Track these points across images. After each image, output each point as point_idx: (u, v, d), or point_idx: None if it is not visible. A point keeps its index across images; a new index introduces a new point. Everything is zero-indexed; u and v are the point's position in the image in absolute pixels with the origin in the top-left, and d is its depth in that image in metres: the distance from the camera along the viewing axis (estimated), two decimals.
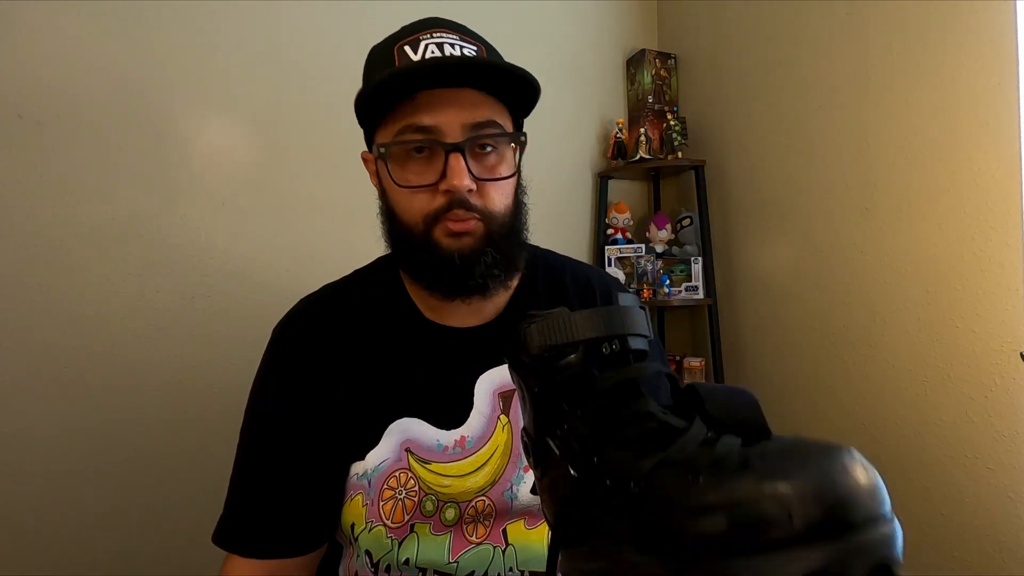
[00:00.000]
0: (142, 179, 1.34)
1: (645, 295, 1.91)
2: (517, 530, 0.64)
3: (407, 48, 0.60)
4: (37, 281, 1.24)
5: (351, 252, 0.90)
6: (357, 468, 0.63)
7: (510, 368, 0.39)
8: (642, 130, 1.97)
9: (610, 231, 2.00)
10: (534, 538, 0.65)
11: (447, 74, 0.57)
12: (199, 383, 1.38)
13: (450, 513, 0.62)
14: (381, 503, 0.61)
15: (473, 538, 0.63)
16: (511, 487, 0.64)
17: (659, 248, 1.98)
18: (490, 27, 0.65)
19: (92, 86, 1.29)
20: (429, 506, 0.62)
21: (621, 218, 2.00)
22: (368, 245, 0.73)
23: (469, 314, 0.66)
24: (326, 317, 0.67)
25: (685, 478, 0.28)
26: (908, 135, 1.42)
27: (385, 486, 0.62)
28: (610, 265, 1.96)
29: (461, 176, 0.57)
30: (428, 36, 0.60)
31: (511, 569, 0.63)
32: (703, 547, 0.26)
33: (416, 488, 0.62)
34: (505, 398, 0.65)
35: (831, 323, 1.62)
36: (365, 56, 0.65)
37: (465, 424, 0.64)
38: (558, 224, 1.96)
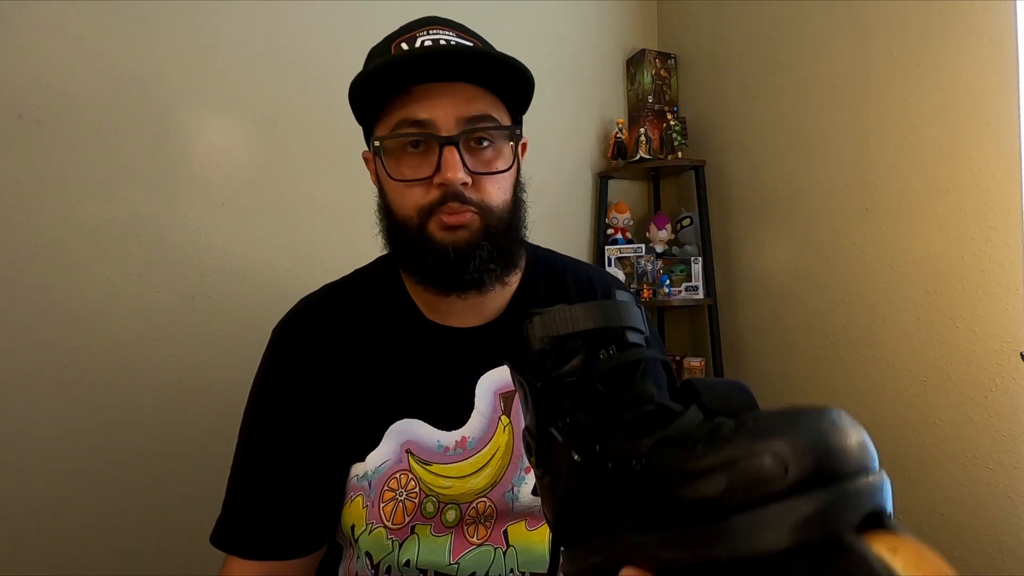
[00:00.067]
0: (142, 179, 1.34)
1: (645, 295, 1.91)
2: (518, 531, 0.64)
3: (403, 45, 0.60)
4: (37, 281, 1.24)
5: (351, 252, 0.90)
6: (357, 469, 0.62)
7: (512, 369, 0.39)
8: (642, 130, 1.97)
9: (610, 231, 2.00)
10: (535, 539, 0.64)
11: (440, 65, 0.57)
12: (199, 383, 1.38)
13: (451, 514, 0.62)
14: (382, 504, 0.61)
15: (474, 539, 0.63)
16: (512, 488, 0.63)
17: (659, 248, 1.98)
18: (490, 27, 0.65)
19: (92, 86, 1.29)
20: (430, 507, 0.62)
21: (621, 218, 2.00)
22: (368, 245, 0.73)
23: (469, 314, 0.66)
24: (326, 317, 0.67)
25: (684, 449, 0.29)
26: (908, 135, 1.42)
27: (385, 487, 0.61)
28: (610, 265, 1.96)
29: (455, 169, 0.56)
30: (425, 33, 0.60)
31: (512, 571, 0.63)
32: (702, 511, 0.27)
33: (417, 489, 0.61)
34: (506, 399, 0.65)
35: (831, 323, 1.62)
36: (364, 56, 0.65)
37: (466, 425, 0.64)
38: (558, 224, 1.96)
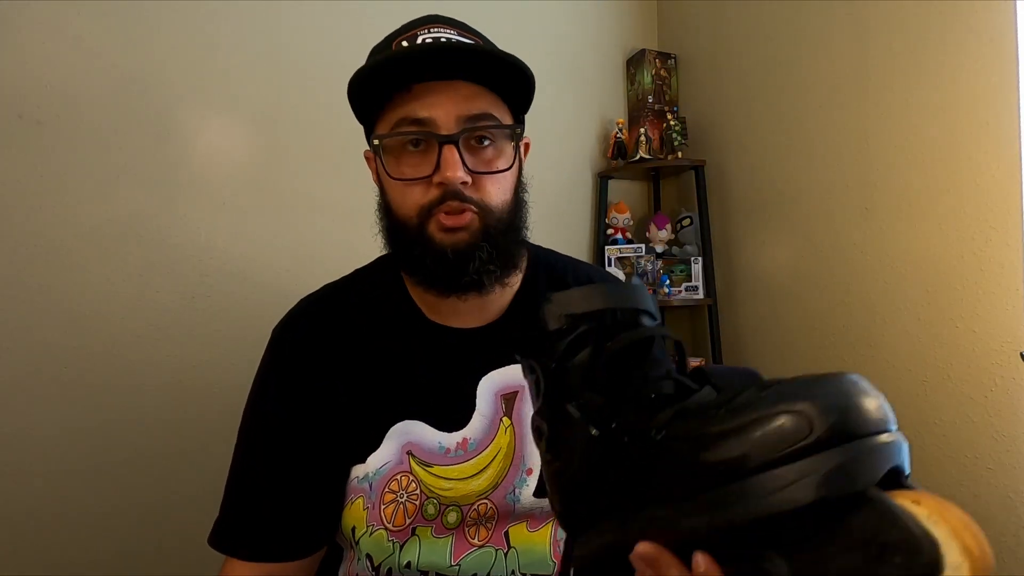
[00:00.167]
0: (142, 179, 1.34)
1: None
2: (519, 533, 0.64)
3: (404, 43, 0.59)
4: (37, 281, 1.24)
5: (351, 252, 0.90)
6: (358, 471, 0.62)
7: (523, 355, 0.39)
8: (642, 130, 1.97)
9: (610, 231, 2.00)
10: (536, 541, 0.64)
11: (440, 63, 0.57)
12: (199, 383, 1.38)
13: (452, 516, 0.62)
14: (382, 506, 0.61)
15: (475, 541, 0.63)
16: (514, 490, 0.63)
17: (659, 248, 1.98)
18: (490, 27, 0.65)
19: (92, 86, 1.29)
20: (431, 509, 0.61)
21: (621, 218, 2.00)
22: (368, 245, 0.73)
23: (470, 314, 0.66)
24: (326, 317, 0.67)
25: (704, 416, 0.29)
26: (908, 135, 1.42)
27: (386, 489, 0.61)
28: (610, 265, 1.96)
29: (455, 168, 0.56)
30: (426, 31, 0.60)
31: (513, 572, 0.63)
32: (724, 473, 0.27)
33: (418, 491, 0.61)
34: (507, 400, 0.65)
35: (831, 323, 1.62)
36: (364, 56, 0.65)
37: (467, 426, 0.63)
38: (558, 224, 1.96)
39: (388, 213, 0.62)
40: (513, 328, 0.67)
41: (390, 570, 0.61)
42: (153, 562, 1.31)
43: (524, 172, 0.66)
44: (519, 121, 0.65)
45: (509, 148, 0.61)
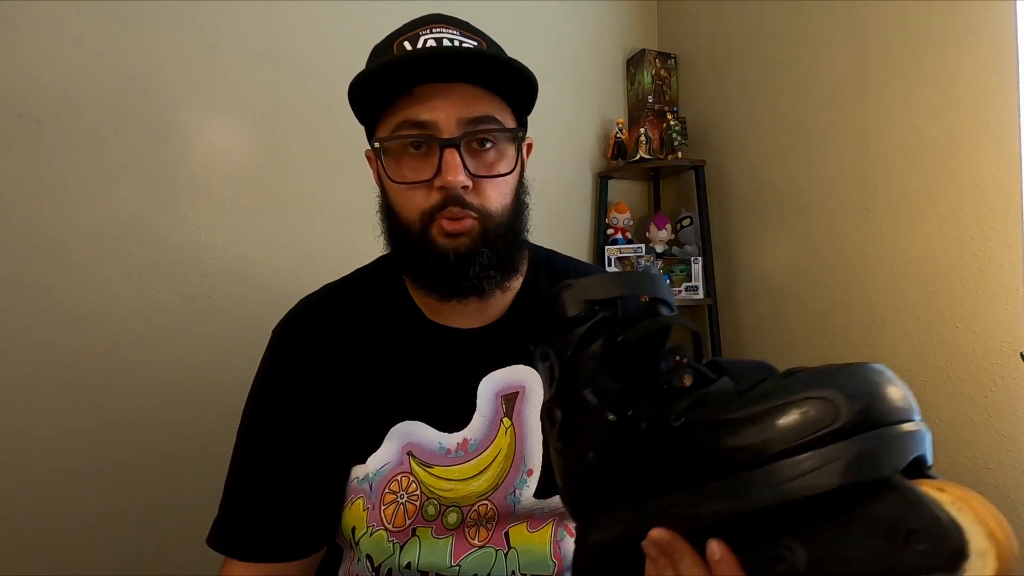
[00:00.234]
0: (142, 179, 1.34)
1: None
2: (519, 533, 0.64)
3: (406, 43, 0.59)
4: (37, 281, 1.24)
5: (351, 252, 0.90)
6: (358, 471, 0.62)
7: (538, 344, 0.39)
8: (642, 130, 1.97)
9: (610, 231, 2.00)
10: (536, 541, 0.64)
11: (442, 66, 0.57)
12: (199, 383, 1.38)
13: (452, 517, 0.62)
14: (383, 507, 0.61)
15: (475, 541, 0.63)
16: (514, 491, 0.63)
17: (659, 248, 1.98)
18: (490, 27, 0.65)
19: (92, 86, 1.29)
20: (431, 510, 0.61)
21: (621, 218, 2.00)
22: (368, 245, 0.73)
23: (471, 315, 0.65)
24: (326, 317, 0.67)
25: (725, 403, 0.29)
26: (908, 135, 1.42)
27: (387, 490, 0.61)
28: (610, 265, 1.96)
29: (456, 172, 0.56)
30: (428, 32, 0.60)
31: (513, 573, 0.63)
32: (746, 459, 0.27)
33: (418, 492, 0.61)
34: (508, 400, 0.65)
35: (831, 323, 1.62)
36: (364, 56, 0.65)
37: (468, 427, 0.63)
38: (558, 224, 1.96)
39: (390, 215, 0.62)
40: (514, 329, 0.67)
41: (390, 571, 0.61)
42: (153, 562, 1.31)
43: (526, 173, 0.66)
44: (522, 123, 0.65)
45: (511, 151, 0.61)
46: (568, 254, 0.77)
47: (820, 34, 1.62)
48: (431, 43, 0.58)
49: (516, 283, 0.68)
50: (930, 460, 0.27)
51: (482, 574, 0.62)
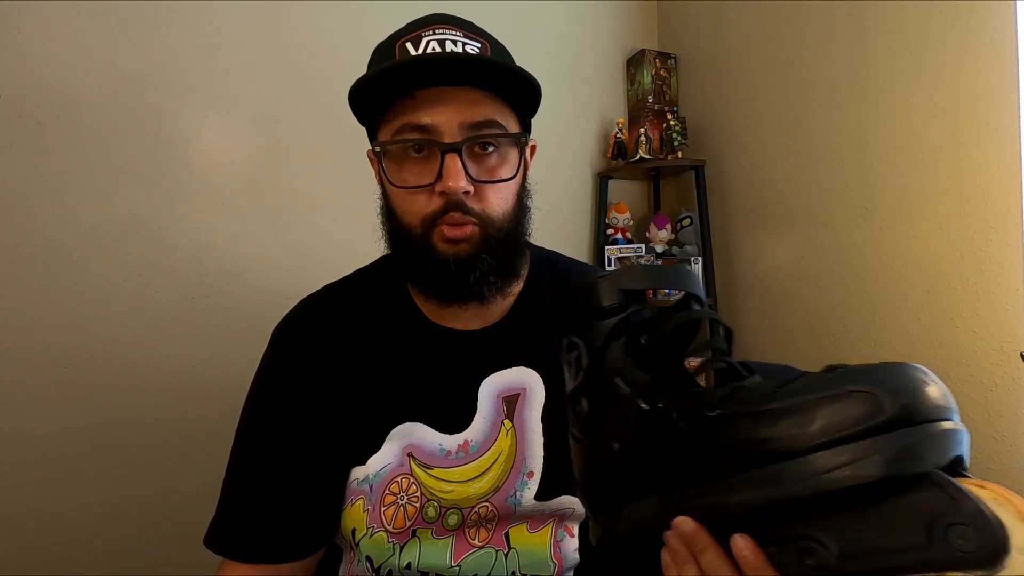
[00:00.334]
0: (142, 179, 1.34)
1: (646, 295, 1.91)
2: (519, 534, 0.64)
3: (408, 44, 0.59)
4: (37, 281, 1.24)
5: (351, 252, 0.90)
6: (358, 473, 0.62)
7: (565, 333, 0.39)
8: (642, 130, 1.97)
9: (610, 231, 2.00)
10: (536, 542, 0.64)
11: (444, 71, 0.56)
12: (199, 383, 1.38)
13: (452, 519, 0.62)
14: (382, 508, 0.60)
15: (475, 542, 0.63)
16: (515, 493, 0.63)
17: (659, 248, 1.98)
18: (490, 27, 0.65)
19: (92, 86, 1.29)
20: (431, 512, 0.61)
21: (621, 218, 2.00)
22: (368, 245, 0.73)
23: (472, 318, 0.65)
24: (326, 318, 0.67)
25: (763, 395, 0.29)
26: (908, 135, 1.42)
27: (387, 491, 0.61)
28: (610, 265, 1.96)
29: (457, 177, 0.55)
30: (431, 32, 0.59)
31: (513, 573, 0.63)
32: (787, 448, 0.27)
33: (418, 493, 0.61)
34: (509, 402, 0.64)
35: (831, 323, 1.62)
36: (365, 56, 0.64)
37: (468, 428, 0.63)
38: (558, 224, 1.96)
39: (391, 218, 0.62)
40: (515, 330, 0.67)
41: (390, 571, 0.61)
42: (153, 562, 1.31)
43: (528, 175, 0.66)
44: (525, 126, 0.64)
45: (514, 155, 0.61)
46: (568, 254, 0.77)
47: (820, 34, 1.61)
48: (434, 44, 0.58)
49: (517, 286, 0.68)
50: (968, 461, 0.27)
51: (482, 574, 0.62)
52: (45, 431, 1.23)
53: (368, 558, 0.61)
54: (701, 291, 0.38)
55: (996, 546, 0.24)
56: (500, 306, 0.67)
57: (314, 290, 0.71)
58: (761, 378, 0.33)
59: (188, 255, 1.38)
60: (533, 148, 0.68)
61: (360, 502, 0.61)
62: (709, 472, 0.30)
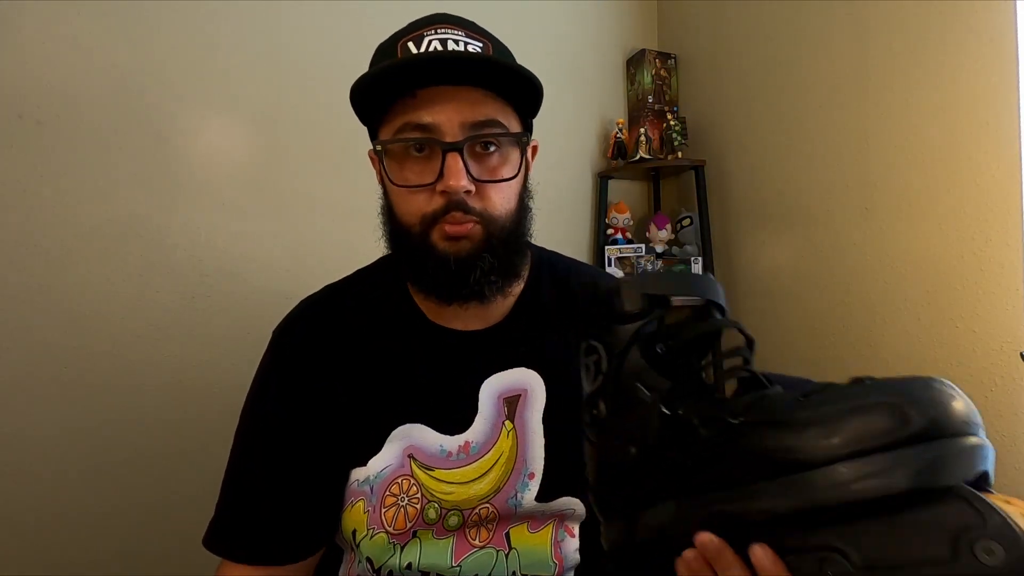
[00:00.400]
0: (142, 179, 1.34)
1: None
2: (520, 534, 0.64)
3: (410, 44, 0.59)
4: (37, 281, 1.24)
5: (351, 252, 0.90)
6: (359, 474, 0.62)
7: (584, 336, 0.39)
8: (642, 130, 1.97)
9: (610, 231, 2.00)
10: (537, 542, 0.64)
11: (446, 70, 0.56)
12: (199, 383, 1.38)
13: (453, 520, 0.62)
14: (383, 510, 0.60)
15: (476, 542, 0.63)
16: (515, 494, 0.63)
17: (659, 248, 1.98)
18: (490, 27, 0.65)
19: (92, 86, 1.29)
20: (432, 513, 0.61)
21: (621, 218, 2.00)
22: (368, 245, 0.73)
23: (473, 318, 0.65)
24: (326, 319, 0.66)
25: (790, 403, 0.29)
26: (908, 135, 1.42)
27: (387, 492, 0.60)
28: (610, 265, 1.96)
29: (458, 177, 0.55)
30: (432, 32, 0.59)
31: (514, 573, 0.63)
32: (811, 457, 0.27)
33: (419, 495, 0.61)
34: (510, 403, 0.64)
35: (831, 323, 1.62)
36: (365, 56, 0.64)
37: (469, 429, 0.63)
38: (558, 224, 1.96)
39: (391, 218, 0.62)
40: (516, 331, 0.67)
41: (391, 572, 0.61)
42: (153, 562, 1.31)
43: (530, 176, 0.66)
44: (527, 125, 0.64)
45: (515, 154, 0.61)
46: (568, 254, 0.77)
47: (820, 34, 1.61)
48: (436, 44, 0.58)
49: (518, 286, 0.68)
50: (992, 477, 0.27)
51: (483, 575, 0.62)
52: (45, 431, 1.23)
53: (368, 559, 0.61)
54: (723, 299, 0.38)
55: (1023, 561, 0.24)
56: (501, 306, 0.67)
57: (314, 290, 0.71)
58: (782, 389, 0.33)
59: (188, 255, 1.38)
60: (535, 149, 0.68)
61: (361, 503, 0.61)
62: (729, 479, 0.30)
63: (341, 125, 1.52)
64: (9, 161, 1.21)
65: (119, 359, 1.30)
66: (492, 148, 0.59)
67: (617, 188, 2.09)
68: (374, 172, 0.67)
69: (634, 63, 2.08)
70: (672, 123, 1.94)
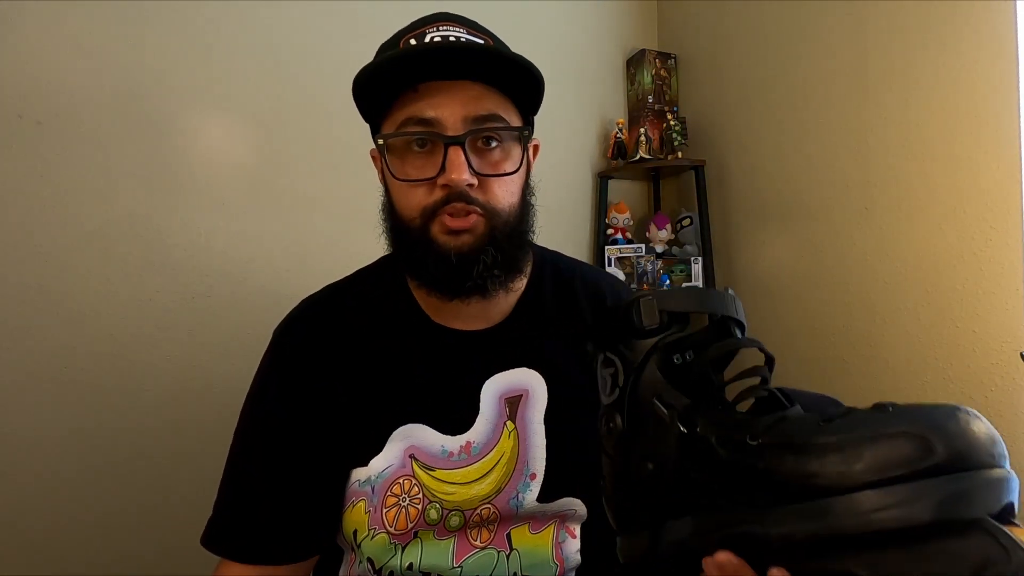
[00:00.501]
0: (142, 179, 1.33)
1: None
2: (521, 534, 0.64)
3: (412, 40, 0.59)
4: (37, 281, 1.23)
5: (351, 252, 0.90)
6: (360, 474, 0.61)
7: (603, 348, 0.39)
8: (642, 130, 1.97)
9: (610, 231, 2.00)
10: (538, 543, 0.64)
11: (447, 63, 0.56)
12: (199, 383, 1.38)
13: (455, 520, 0.61)
14: (384, 510, 0.60)
15: (477, 542, 0.62)
16: (517, 495, 0.62)
17: (659, 248, 1.98)
18: (490, 27, 0.65)
19: (92, 86, 1.29)
20: (433, 514, 0.61)
21: (621, 218, 2.00)
22: (369, 245, 0.73)
23: (474, 317, 0.65)
24: (327, 319, 0.66)
25: (811, 427, 0.29)
26: (908, 135, 1.42)
27: (389, 493, 0.60)
28: (610, 265, 1.96)
29: (460, 170, 0.55)
30: (435, 29, 0.59)
31: (515, 574, 0.63)
32: (833, 484, 0.27)
33: (420, 495, 0.60)
34: (511, 404, 0.64)
35: (831, 323, 1.62)
36: (365, 56, 0.64)
37: (471, 430, 0.63)
38: (558, 224, 1.96)
39: (392, 214, 0.62)
40: (518, 331, 0.67)
41: (391, 572, 0.61)
42: (153, 562, 1.31)
43: (531, 174, 0.66)
44: (528, 122, 0.64)
45: (517, 150, 0.61)
46: (568, 254, 0.77)
47: (820, 34, 1.62)
48: (437, 39, 0.58)
49: (520, 284, 0.68)
50: (1017, 509, 0.27)
51: (484, 575, 0.62)
52: (44, 431, 1.23)
53: (369, 559, 0.61)
54: (743, 317, 0.38)
55: None
56: (503, 306, 0.67)
57: (314, 290, 0.71)
58: (801, 408, 0.33)
59: (188, 255, 1.38)
60: (536, 147, 0.68)
61: (362, 504, 0.61)
62: (747, 500, 0.30)
63: (341, 125, 1.52)
64: (9, 161, 1.21)
65: (119, 359, 1.30)
66: (494, 143, 0.59)
67: (617, 188, 2.09)
68: (374, 172, 0.67)
69: (634, 63, 2.08)
70: (672, 123, 1.94)
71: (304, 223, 1.52)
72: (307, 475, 0.62)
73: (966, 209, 1.32)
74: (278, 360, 0.66)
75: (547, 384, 0.65)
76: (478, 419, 0.63)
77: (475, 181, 0.57)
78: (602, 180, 2.02)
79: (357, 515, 0.61)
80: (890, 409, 0.28)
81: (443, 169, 0.56)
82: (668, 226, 2.00)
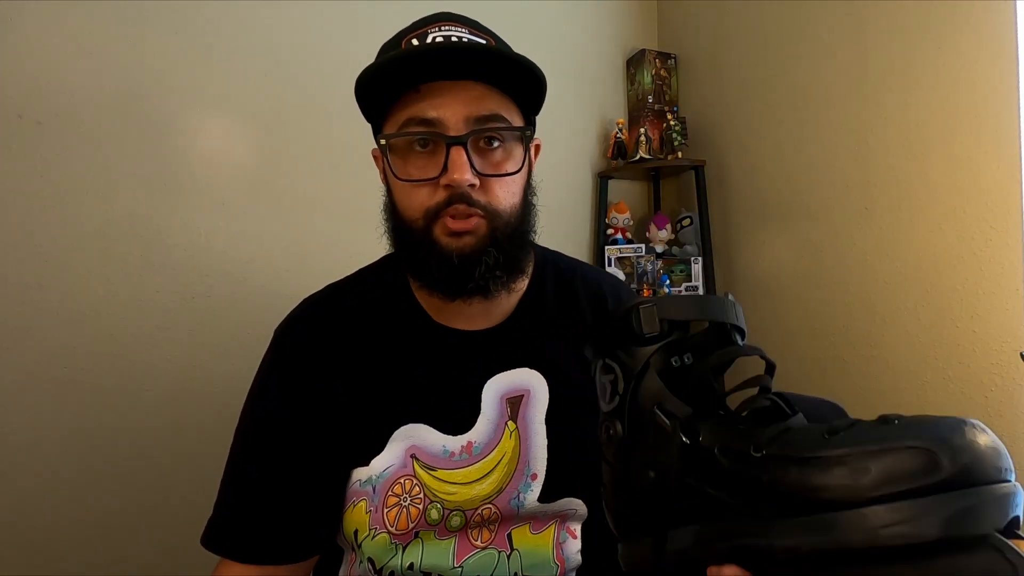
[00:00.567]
0: (142, 179, 1.33)
1: (645, 295, 1.91)
2: (522, 535, 0.64)
3: (414, 41, 0.59)
4: (37, 281, 1.23)
5: (351, 252, 0.90)
6: (360, 474, 0.61)
7: (602, 355, 0.38)
8: (642, 130, 1.97)
9: (610, 231, 2.00)
10: (539, 543, 0.64)
11: (449, 63, 0.56)
12: (199, 383, 1.38)
13: (456, 520, 0.61)
14: (385, 510, 0.60)
15: (478, 542, 0.62)
16: (518, 495, 0.62)
17: (659, 248, 1.98)
18: (490, 27, 0.65)
19: (92, 86, 1.29)
20: (434, 514, 0.60)
21: (621, 218, 2.00)
22: (369, 245, 0.73)
23: (476, 316, 0.65)
24: (328, 318, 0.66)
25: (816, 439, 0.28)
26: (908, 135, 1.42)
27: (390, 493, 0.60)
28: (610, 265, 1.96)
29: (462, 170, 0.55)
30: (436, 29, 0.59)
31: (516, 574, 0.63)
32: (839, 497, 0.26)
33: (421, 495, 0.60)
34: (512, 404, 0.64)
35: (831, 323, 1.62)
36: (365, 56, 0.64)
37: (472, 430, 0.63)
38: (558, 224, 1.96)
39: (394, 214, 0.62)
40: (519, 331, 0.67)
41: (392, 572, 0.61)
42: (153, 562, 1.30)
43: (533, 174, 0.66)
44: (530, 122, 0.64)
45: (519, 150, 0.61)
46: (568, 254, 0.77)
47: (820, 34, 1.62)
48: (439, 39, 0.58)
49: (522, 284, 0.68)
50: (1022, 521, 0.27)
51: (485, 575, 0.62)
52: (44, 431, 1.23)
53: (370, 559, 0.61)
54: (744, 324, 0.38)
55: None
56: (504, 306, 0.67)
57: (315, 290, 0.71)
58: (803, 416, 0.33)
59: (188, 255, 1.38)
60: (538, 147, 0.68)
61: (363, 503, 0.61)
62: (751, 511, 0.30)
63: (341, 125, 1.52)
64: (9, 161, 1.21)
65: (118, 359, 1.30)
66: (496, 143, 0.59)
67: (617, 188, 2.09)
68: (374, 172, 0.66)
69: (634, 63, 2.08)
70: (672, 123, 1.95)
71: (304, 223, 1.52)
72: (308, 475, 0.62)
73: (966, 209, 1.32)
74: (279, 360, 0.66)
75: (548, 384, 0.65)
76: (479, 419, 0.63)
77: (477, 181, 0.57)
78: (602, 180, 2.02)
79: (358, 515, 0.61)
80: (895, 422, 0.27)
81: (445, 169, 0.56)
82: (668, 226, 2.01)
